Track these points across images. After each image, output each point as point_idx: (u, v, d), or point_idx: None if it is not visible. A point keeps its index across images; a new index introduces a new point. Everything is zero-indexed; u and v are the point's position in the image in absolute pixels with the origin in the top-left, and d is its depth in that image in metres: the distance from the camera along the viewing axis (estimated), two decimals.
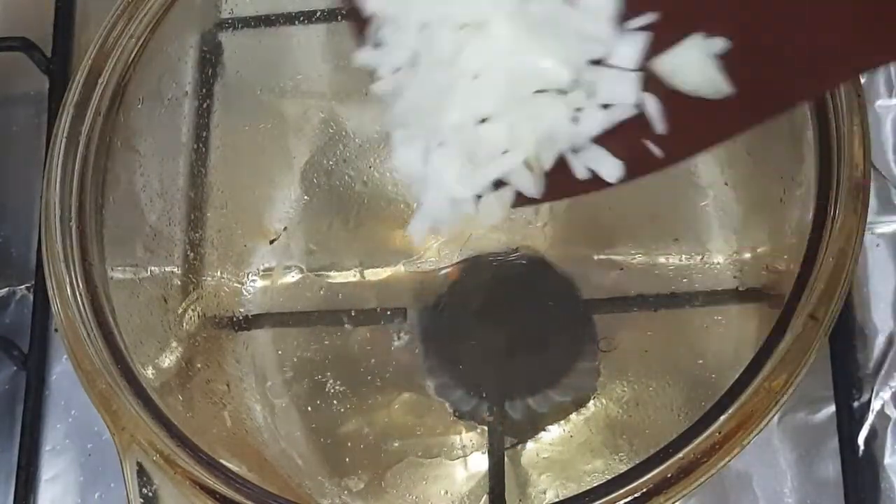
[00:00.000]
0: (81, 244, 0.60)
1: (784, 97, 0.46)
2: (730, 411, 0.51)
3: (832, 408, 0.67)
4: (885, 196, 0.72)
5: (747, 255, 0.69)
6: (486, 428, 0.69)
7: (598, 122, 0.47)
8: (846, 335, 0.69)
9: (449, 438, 0.70)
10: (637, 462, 0.52)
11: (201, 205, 0.72)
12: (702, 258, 0.72)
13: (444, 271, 0.74)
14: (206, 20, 0.71)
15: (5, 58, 0.79)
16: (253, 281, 0.75)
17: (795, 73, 0.44)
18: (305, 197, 0.77)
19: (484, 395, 0.70)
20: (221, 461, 0.55)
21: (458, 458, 0.70)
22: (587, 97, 0.47)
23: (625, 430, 0.68)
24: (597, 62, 0.46)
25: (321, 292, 0.74)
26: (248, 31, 0.73)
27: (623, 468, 0.52)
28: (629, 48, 0.46)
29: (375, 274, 0.74)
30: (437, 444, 0.70)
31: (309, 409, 0.71)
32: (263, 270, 0.75)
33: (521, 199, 0.50)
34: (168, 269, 0.68)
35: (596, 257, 0.73)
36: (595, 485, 0.52)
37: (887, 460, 0.66)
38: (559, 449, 0.68)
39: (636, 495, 0.51)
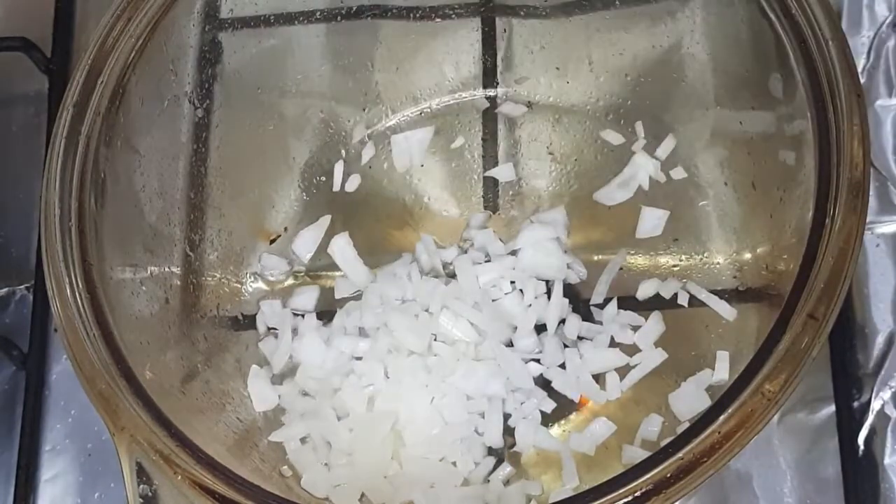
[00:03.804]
0: (81, 244, 0.60)
1: None
2: (729, 411, 0.51)
3: (832, 408, 0.67)
4: (885, 196, 0.72)
5: (747, 255, 0.69)
6: None
7: None
8: (846, 335, 0.69)
9: None
10: (638, 462, 0.52)
11: (201, 205, 0.72)
12: (702, 258, 0.72)
13: None
14: (206, 20, 0.71)
15: (5, 58, 0.79)
16: (253, 281, 0.75)
17: None
18: (305, 197, 0.77)
19: None
20: (221, 461, 0.55)
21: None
22: None
23: (624, 429, 0.68)
24: None
25: (320, 292, 0.74)
26: (248, 31, 0.73)
27: (621, 468, 0.52)
28: None
29: None
30: None
31: None
32: (263, 271, 0.75)
33: None
34: (168, 269, 0.68)
35: (596, 257, 0.73)
36: (595, 484, 0.52)
37: (887, 460, 0.66)
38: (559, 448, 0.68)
39: (636, 495, 0.51)
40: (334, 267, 0.75)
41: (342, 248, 0.74)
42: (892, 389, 0.67)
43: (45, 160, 0.62)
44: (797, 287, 0.54)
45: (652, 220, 0.73)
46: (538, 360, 0.69)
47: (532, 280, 0.71)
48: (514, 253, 0.72)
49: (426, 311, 0.70)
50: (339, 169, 0.77)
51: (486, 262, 0.72)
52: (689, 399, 0.66)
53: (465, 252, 0.73)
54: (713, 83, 0.71)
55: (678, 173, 0.74)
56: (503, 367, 0.68)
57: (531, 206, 0.75)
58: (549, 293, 0.71)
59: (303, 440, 0.68)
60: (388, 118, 0.78)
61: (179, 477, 0.54)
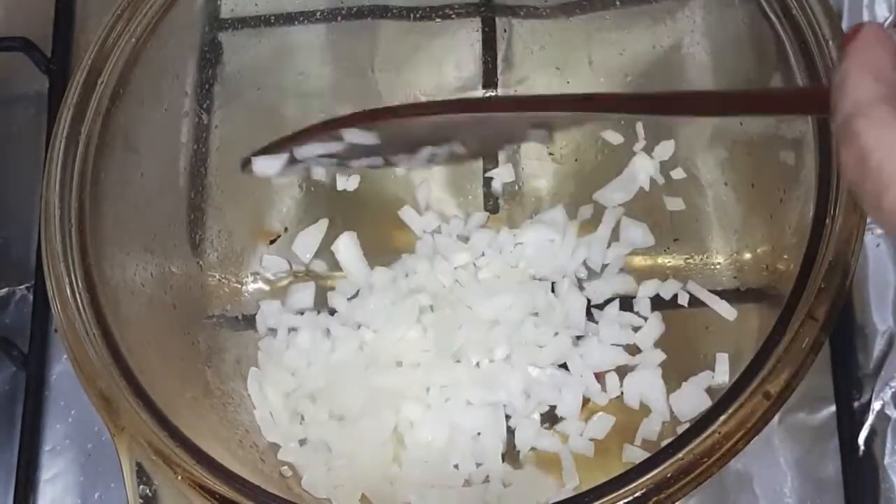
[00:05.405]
0: (81, 244, 0.60)
1: None
2: (729, 411, 0.51)
3: (832, 408, 0.67)
4: None
5: (747, 255, 0.69)
6: None
7: None
8: (846, 335, 0.69)
9: None
10: (638, 462, 0.52)
11: (201, 205, 0.72)
12: (702, 258, 0.72)
13: None
14: (206, 20, 0.71)
15: (5, 58, 0.79)
16: (253, 281, 0.75)
17: None
18: (305, 197, 0.77)
19: None
20: (221, 461, 0.55)
21: None
22: None
23: (624, 429, 0.68)
24: None
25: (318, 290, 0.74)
26: (248, 31, 0.73)
27: (621, 468, 0.52)
28: None
29: None
30: None
31: None
32: (263, 271, 0.75)
33: None
34: (168, 269, 0.68)
35: None
36: (595, 485, 0.52)
37: (887, 460, 0.66)
38: (558, 449, 0.68)
39: (636, 495, 0.51)
40: (334, 267, 0.75)
41: (347, 247, 0.74)
42: (893, 389, 0.67)
43: (45, 160, 0.62)
44: (797, 287, 0.54)
45: (634, 231, 0.73)
46: (539, 361, 0.69)
47: (532, 280, 0.71)
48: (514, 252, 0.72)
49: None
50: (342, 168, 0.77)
51: (485, 262, 0.72)
52: (690, 399, 0.66)
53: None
54: (713, 83, 0.71)
55: (678, 174, 0.74)
56: (504, 368, 0.68)
57: (531, 206, 0.75)
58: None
59: (302, 441, 0.68)
60: None
61: (179, 477, 0.54)
